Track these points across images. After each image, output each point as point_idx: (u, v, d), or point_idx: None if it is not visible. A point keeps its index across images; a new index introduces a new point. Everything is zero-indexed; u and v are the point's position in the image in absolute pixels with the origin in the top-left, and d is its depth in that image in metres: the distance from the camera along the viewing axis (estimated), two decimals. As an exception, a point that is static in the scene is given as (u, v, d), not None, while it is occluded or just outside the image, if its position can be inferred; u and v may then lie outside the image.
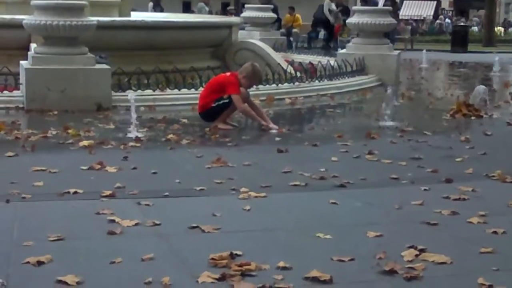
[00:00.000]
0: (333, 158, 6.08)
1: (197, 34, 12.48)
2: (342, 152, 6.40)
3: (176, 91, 9.61)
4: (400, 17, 32.33)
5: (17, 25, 9.55)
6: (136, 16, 13.91)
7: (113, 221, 4.12)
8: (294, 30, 23.80)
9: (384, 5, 17.75)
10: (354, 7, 15.73)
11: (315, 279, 3.23)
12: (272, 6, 18.59)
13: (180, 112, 8.70)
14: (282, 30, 22.35)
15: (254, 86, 8.47)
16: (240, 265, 3.35)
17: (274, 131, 7.50)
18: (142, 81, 9.64)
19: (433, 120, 8.70)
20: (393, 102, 8.35)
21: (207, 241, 3.82)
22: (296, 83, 10.78)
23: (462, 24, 30.83)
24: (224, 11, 32.39)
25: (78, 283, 3.15)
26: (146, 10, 22.84)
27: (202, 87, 8.78)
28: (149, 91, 9.42)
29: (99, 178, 5.24)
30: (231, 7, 31.41)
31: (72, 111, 8.34)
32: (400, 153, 6.36)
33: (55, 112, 8.28)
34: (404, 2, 50.10)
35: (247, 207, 4.49)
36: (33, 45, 9.42)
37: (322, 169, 5.57)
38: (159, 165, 5.68)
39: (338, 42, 22.03)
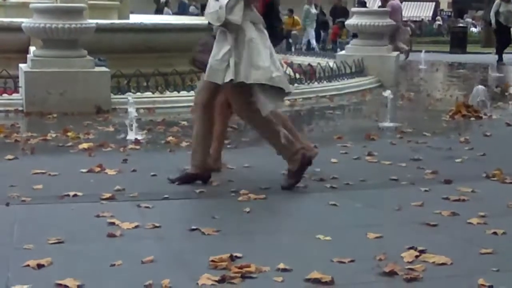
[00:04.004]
0: (333, 160, 6.08)
1: (196, 36, 12.44)
2: (341, 154, 6.40)
3: (175, 93, 9.60)
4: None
5: (16, 28, 9.55)
6: (135, 18, 13.91)
7: (113, 223, 4.12)
8: (293, 32, 23.79)
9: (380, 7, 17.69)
10: (353, 9, 15.74)
11: (316, 281, 3.23)
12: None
13: (179, 114, 8.70)
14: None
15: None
16: (240, 267, 3.35)
17: None
18: (141, 84, 9.63)
19: (433, 121, 8.70)
20: (392, 104, 8.34)
21: (207, 243, 3.82)
22: (295, 85, 10.76)
23: (461, 25, 30.82)
24: None
25: (78, 286, 3.15)
26: None
27: (202, 89, 8.75)
28: (148, 94, 9.42)
29: (98, 181, 5.24)
30: None
31: (71, 113, 8.34)
32: (399, 154, 6.36)
33: (55, 115, 8.27)
34: (403, 3, 50.16)
35: (247, 209, 4.49)
36: (32, 48, 9.42)
37: (321, 171, 5.57)
38: (158, 167, 5.67)
39: (338, 43, 22.05)
